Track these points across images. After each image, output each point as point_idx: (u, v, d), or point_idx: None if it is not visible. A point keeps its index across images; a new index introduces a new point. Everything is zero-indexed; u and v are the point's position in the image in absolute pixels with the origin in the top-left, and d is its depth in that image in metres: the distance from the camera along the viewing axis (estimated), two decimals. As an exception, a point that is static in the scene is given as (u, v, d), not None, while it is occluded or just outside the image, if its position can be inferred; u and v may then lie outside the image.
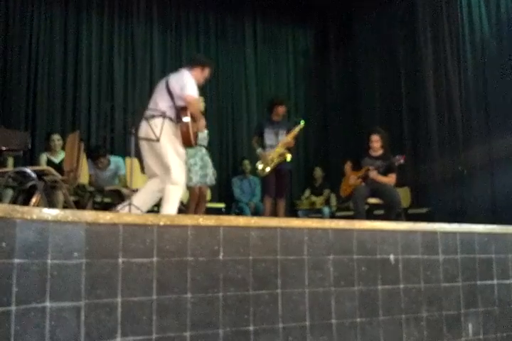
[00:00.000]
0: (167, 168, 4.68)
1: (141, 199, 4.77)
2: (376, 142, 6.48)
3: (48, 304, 2.51)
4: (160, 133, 4.47)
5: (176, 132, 4.71)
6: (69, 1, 8.60)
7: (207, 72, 5.07)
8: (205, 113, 6.40)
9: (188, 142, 4.75)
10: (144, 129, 4.73)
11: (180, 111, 4.69)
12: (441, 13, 7.95)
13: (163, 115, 4.53)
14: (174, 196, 4.69)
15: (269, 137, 6.69)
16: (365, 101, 9.46)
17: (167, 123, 4.59)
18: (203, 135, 6.26)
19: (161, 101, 4.75)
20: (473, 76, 7.52)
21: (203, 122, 4.95)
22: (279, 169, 6.59)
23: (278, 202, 6.67)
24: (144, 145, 4.84)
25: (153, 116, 4.61)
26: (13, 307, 2.39)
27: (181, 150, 4.79)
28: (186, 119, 4.66)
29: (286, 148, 6.61)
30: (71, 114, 8.37)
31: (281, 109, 6.78)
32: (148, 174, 4.94)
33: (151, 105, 4.81)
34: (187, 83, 4.70)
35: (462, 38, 7.68)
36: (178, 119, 4.69)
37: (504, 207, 6.64)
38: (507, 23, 7.18)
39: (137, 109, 6.78)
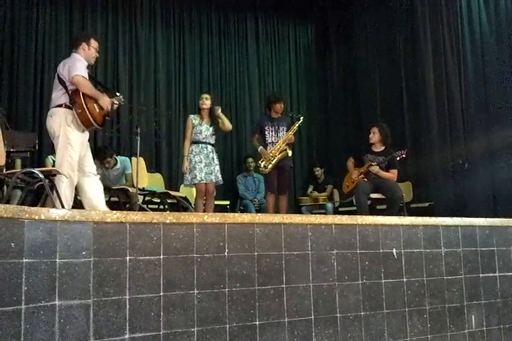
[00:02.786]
0: (59, 160, 4.57)
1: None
2: (374, 134, 6.51)
3: (57, 302, 2.55)
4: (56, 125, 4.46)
5: (74, 118, 4.55)
6: (73, 2, 8.62)
7: (94, 43, 4.89)
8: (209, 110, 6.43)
9: (87, 123, 4.56)
10: (46, 125, 4.68)
11: (72, 94, 4.55)
12: (441, 9, 7.95)
13: (60, 105, 4.49)
14: (61, 188, 4.48)
15: (269, 134, 6.72)
16: (366, 97, 9.45)
17: (63, 112, 4.50)
18: (208, 132, 6.28)
19: (55, 90, 4.64)
20: (473, 70, 7.52)
21: (106, 99, 4.70)
22: (280, 166, 6.62)
23: (281, 198, 6.68)
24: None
25: (50, 109, 4.57)
26: (22, 306, 2.44)
27: (76, 138, 4.60)
28: (79, 101, 4.49)
29: (287, 144, 6.64)
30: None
31: (278, 106, 6.80)
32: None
33: (51, 98, 4.70)
34: (72, 65, 4.58)
35: (462, 33, 7.67)
36: (72, 103, 4.53)
37: (505, 200, 6.66)
38: (505, 17, 7.18)
39: (142, 109, 6.82)
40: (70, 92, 4.55)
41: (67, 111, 4.55)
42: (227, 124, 6.38)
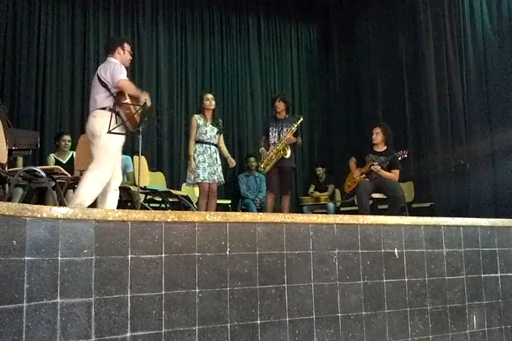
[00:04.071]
0: (96, 159, 4.60)
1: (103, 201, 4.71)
2: (377, 134, 6.50)
3: (58, 300, 2.56)
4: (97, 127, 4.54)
5: (117, 121, 4.65)
6: (76, 2, 8.62)
7: (127, 47, 5.03)
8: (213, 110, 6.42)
9: (134, 122, 4.71)
10: (87, 124, 4.75)
11: (117, 96, 4.68)
12: (443, 8, 7.95)
13: (104, 108, 4.59)
14: (90, 183, 4.48)
15: (272, 135, 6.73)
16: (368, 96, 9.45)
17: (107, 115, 4.58)
18: (213, 133, 6.29)
19: (97, 94, 4.74)
20: (475, 70, 7.52)
21: (145, 96, 4.80)
22: (281, 166, 6.62)
23: (283, 199, 6.68)
24: (89, 141, 4.81)
25: (93, 110, 4.66)
26: (24, 304, 2.44)
27: (116, 141, 4.69)
28: (126, 101, 4.64)
29: (287, 144, 6.62)
30: (79, 114, 8.35)
31: (277, 104, 6.82)
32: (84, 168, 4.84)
33: (91, 101, 4.81)
34: (115, 70, 4.71)
35: (464, 33, 7.66)
36: (118, 104, 4.65)
37: (507, 200, 6.65)
38: (508, 16, 7.17)
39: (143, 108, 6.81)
40: (114, 95, 4.68)
41: (111, 115, 4.63)
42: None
